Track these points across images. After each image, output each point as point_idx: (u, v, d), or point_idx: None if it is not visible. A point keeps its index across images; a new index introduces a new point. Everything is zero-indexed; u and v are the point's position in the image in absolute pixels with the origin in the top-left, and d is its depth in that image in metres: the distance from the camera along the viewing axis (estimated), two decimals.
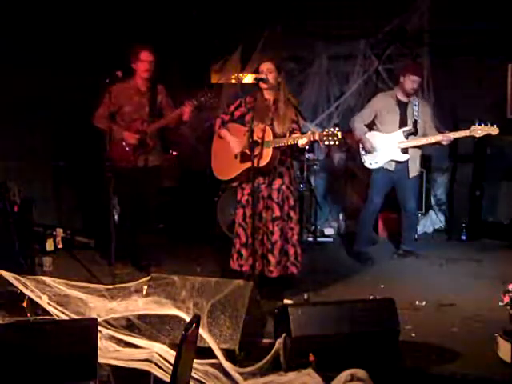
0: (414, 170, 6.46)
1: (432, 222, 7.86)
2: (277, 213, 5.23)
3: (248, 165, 5.02)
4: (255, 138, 4.99)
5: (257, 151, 5.03)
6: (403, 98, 6.38)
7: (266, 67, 5.21)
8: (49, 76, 6.76)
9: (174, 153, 7.86)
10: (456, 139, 7.52)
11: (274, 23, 7.64)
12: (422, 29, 7.45)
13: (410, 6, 7.40)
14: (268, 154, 5.08)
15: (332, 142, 4.87)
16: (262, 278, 5.25)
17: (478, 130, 6.15)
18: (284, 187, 5.28)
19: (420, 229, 7.65)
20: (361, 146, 6.41)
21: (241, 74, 7.82)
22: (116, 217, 6.32)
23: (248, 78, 7.74)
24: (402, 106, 6.38)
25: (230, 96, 7.77)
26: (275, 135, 5.12)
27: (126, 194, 5.98)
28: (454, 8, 7.22)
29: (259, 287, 4.83)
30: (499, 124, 6.26)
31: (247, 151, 5.09)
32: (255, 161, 5.00)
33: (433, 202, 7.88)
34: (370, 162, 6.40)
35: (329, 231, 7.57)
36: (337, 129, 4.88)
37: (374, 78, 7.73)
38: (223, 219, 7.09)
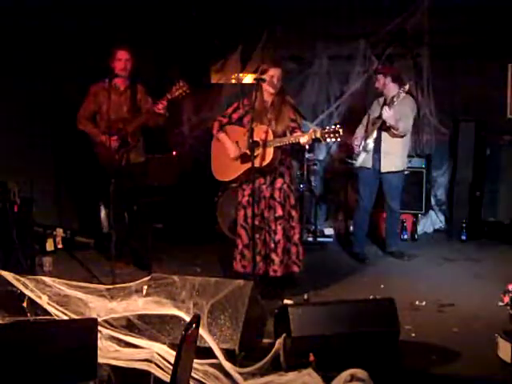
0: (388, 165, 6.38)
1: (432, 222, 7.85)
2: (279, 212, 5.26)
3: (249, 165, 5.02)
4: (256, 138, 5.01)
5: (258, 151, 5.07)
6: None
7: (278, 73, 5.23)
8: (49, 77, 6.76)
9: (174, 153, 7.86)
10: (456, 139, 7.55)
11: (274, 23, 7.63)
12: (422, 29, 7.44)
13: (410, 5, 7.39)
14: (270, 153, 5.11)
15: (334, 140, 4.89)
16: (264, 277, 5.28)
17: None
18: (285, 186, 5.31)
19: (420, 229, 7.65)
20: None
21: (241, 74, 7.83)
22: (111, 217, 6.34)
23: (248, 78, 7.75)
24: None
25: (230, 96, 7.77)
26: (275, 135, 5.14)
27: (118, 193, 5.98)
28: (454, 8, 7.21)
29: (262, 287, 4.93)
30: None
31: (248, 152, 5.09)
32: (257, 161, 5.03)
33: (433, 201, 7.87)
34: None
35: (329, 231, 7.57)
36: (338, 126, 4.87)
37: (374, 78, 7.71)
38: (223, 219, 7.08)
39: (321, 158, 7.87)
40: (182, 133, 7.77)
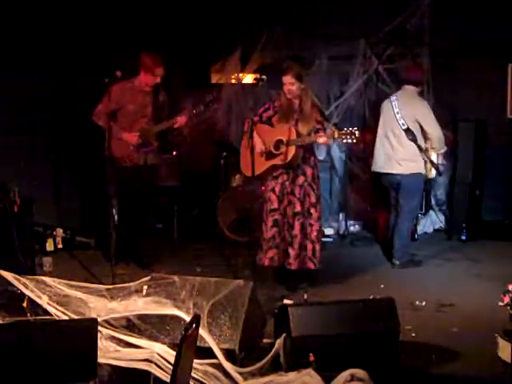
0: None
1: (432, 221, 7.85)
2: (298, 208, 5.44)
3: (272, 162, 5.42)
4: (281, 137, 5.33)
5: (282, 149, 5.35)
6: None
7: (288, 81, 5.40)
8: (49, 76, 6.76)
9: (174, 153, 7.85)
10: (455, 139, 7.56)
11: (274, 23, 7.63)
12: (422, 29, 7.44)
13: (410, 5, 7.39)
14: (291, 151, 5.33)
15: (350, 141, 5.13)
16: (283, 270, 5.53)
17: None
18: (306, 184, 5.48)
19: (420, 229, 7.64)
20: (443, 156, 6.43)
21: (241, 74, 7.83)
22: (116, 217, 6.33)
23: (248, 78, 7.75)
24: None
25: (230, 96, 7.77)
26: (299, 135, 5.34)
27: (125, 192, 6.01)
28: (454, 8, 7.21)
29: (281, 280, 5.53)
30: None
31: (272, 150, 5.39)
32: (281, 158, 5.36)
33: (433, 202, 7.87)
34: None
35: (329, 231, 7.57)
36: (355, 128, 5.11)
37: (374, 78, 7.72)
38: (223, 219, 7.08)
39: (321, 158, 7.87)
40: (182, 133, 7.76)
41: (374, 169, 6.54)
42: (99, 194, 6.47)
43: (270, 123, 5.56)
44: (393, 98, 6.38)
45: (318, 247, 5.50)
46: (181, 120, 5.88)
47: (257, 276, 5.21)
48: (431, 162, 6.29)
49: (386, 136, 6.34)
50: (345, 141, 5.15)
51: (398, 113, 6.24)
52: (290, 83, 5.37)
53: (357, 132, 5.07)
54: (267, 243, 5.47)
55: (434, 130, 6.20)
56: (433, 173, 6.39)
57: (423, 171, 6.29)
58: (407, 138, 6.19)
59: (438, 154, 6.35)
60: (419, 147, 6.20)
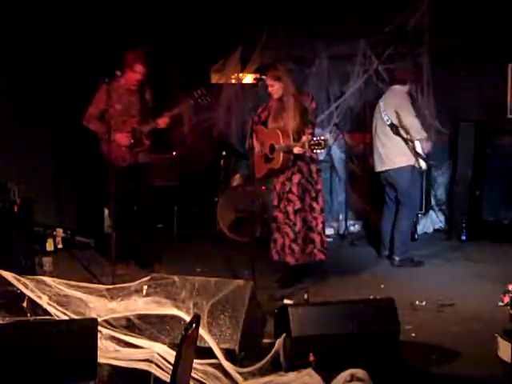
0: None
1: (432, 221, 7.86)
2: (298, 205, 5.52)
3: (269, 166, 5.53)
4: (272, 141, 5.44)
5: (275, 154, 5.44)
6: None
7: (268, 82, 5.53)
8: (49, 76, 6.77)
9: (174, 153, 7.86)
10: (456, 139, 7.56)
11: (274, 23, 7.63)
12: (422, 29, 7.45)
13: (410, 5, 7.39)
14: (280, 157, 5.42)
15: (319, 151, 5.22)
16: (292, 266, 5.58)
17: None
18: (304, 181, 5.56)
19: (420, 229, 7.65)
20: (423, 149, 6.36)
21: (241, 74, 7.83)
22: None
23: (248, 78, 7.76)
24: None
25: (230, 96, 7.78)
26: (286, 136, 5.38)
27: (121, 192, 6.00)
28: (453, 8, 7.21)
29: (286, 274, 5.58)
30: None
31: (268, 154, 5.51)
32: (274, 163, 5.46)
33: (433, 202, 7.88)
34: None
35: (329, 231, 7.56)
36: (322, 137, 5.14)
37: (374, 78, 7.72)
38: (223, 219, 7.08)
39: (321, 157, 7.87)
40: (182, 133, 7.77)
41: (374, 170, 6.65)
42: (98, 194, 6.48)
43: (267, 124, 5.62)
44: (380, 100, 6.53)
45: (325, 238, 5.66)
46: (162, 122, 5.88)
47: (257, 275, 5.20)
48: (416, 152, 6.32)
49: (377, 136, 6.49)
50: (315, 151, 5.20)
51: (383, 111, 6.38)
52: (269, 84, 5.50)
53: (323, 142, 5.05)
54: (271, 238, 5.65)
55: (407, 118, 6.27)
56: (422, 164, 6.38)
57: (413, 163, 6.34)
58: (392, 133, 6.31)
59: (421, 143, 6.32)
60: (404, 140, 6.29)
